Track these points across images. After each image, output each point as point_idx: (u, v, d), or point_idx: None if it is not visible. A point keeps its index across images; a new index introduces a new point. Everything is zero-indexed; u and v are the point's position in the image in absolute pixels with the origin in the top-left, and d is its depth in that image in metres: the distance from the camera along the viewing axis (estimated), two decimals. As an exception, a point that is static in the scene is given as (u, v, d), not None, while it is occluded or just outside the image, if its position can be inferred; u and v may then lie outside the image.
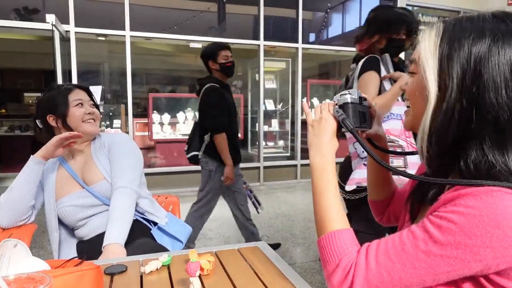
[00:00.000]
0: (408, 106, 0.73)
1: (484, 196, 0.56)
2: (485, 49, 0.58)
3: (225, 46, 2.74)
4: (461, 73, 0.60)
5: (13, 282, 0.60)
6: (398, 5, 6.08)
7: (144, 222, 1.48)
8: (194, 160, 2.77)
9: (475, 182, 0.58)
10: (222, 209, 3.58)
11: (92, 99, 1.50)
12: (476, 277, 0.59)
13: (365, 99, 0.84)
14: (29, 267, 0.82)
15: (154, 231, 1.47)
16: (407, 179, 0.92)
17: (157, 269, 0.99)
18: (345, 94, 0.79)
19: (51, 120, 1.43)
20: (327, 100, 0.83)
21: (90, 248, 1.36)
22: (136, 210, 1.44)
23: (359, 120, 0.80)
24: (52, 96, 1.44)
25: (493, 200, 0.55)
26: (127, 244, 1.29)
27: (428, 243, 0.58)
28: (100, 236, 1.35)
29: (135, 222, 1.42)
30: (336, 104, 0.79)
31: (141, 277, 0.96)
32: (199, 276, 0.94)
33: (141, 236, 1.39)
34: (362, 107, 0.82)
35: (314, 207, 0.75)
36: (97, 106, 1.52)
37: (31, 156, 1.35)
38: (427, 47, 0.64)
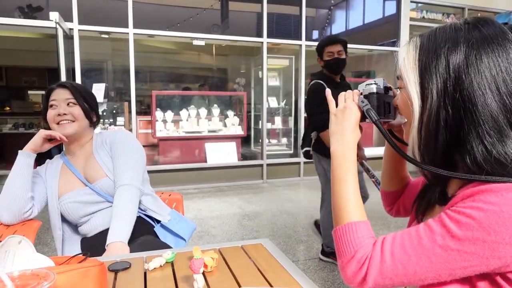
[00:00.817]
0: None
1: (505, 193, 0.56)
2: (462, 56, 0.60)
3: (332, 41, 2.62)
4: (442, 82, 0.62)
5: (18, 279, 0.61)
6: (402, 4, 6.04)
7: (147, 219, 1.48)
8: (307, 155, 2.81)
9: (497, 178, 0.58)
10: (226, 207, 3.58)
11: (75, 96, 1.42)
12: (493, 275, 0.59)
13: (390, 89, 0.82)
14: (34, 263, 0.82)
15: (157, 228, 1.47)
16: None
17: (160, 266, 1.00)
18: (371, 83, 0.78)
19: (44, 121, 1.46)
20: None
21: (94, 245, 1.36)
22: (139, 207, 1.44)
23: (383, 111, 0.78)
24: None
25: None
26: (130, 242, 1.30)
27: (445, 237, 0.58)
28: (104, 233, 1.36)
29: (138, 219, 1.42)
30: (361, 94, 0.78)
31: (145, 273, 0.96)
32: (203, 273, 0.94)
33: (144, 234, 1.39)
34: (387, 97, 0.80)
35: (332, 196, 0.75)
36: (87, 104, 1.45)
37: (19, 151, 1.36)
38: (407, 62, 0.67)
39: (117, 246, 1.24)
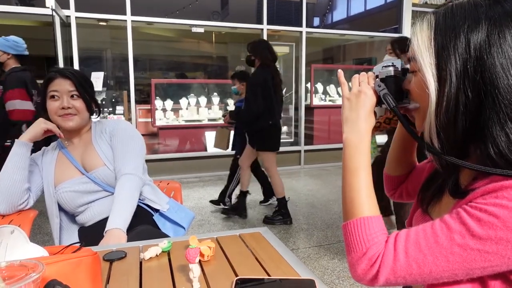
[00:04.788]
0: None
1: None
2: (483, 35, 0.56)
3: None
4: (461, 63, 0.57)
5: (5, 270, 0.59)
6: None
7: (146, 208, 1.47)
8: None
9: None
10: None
11: (78, 88, 1.38)
12: (507, 273, 0.57)
13: (408, 71, 0.74)
14: (27, 253, 0.81)
15: (156, 217, 1.46)
16: None
17: (156, 255, 0.98)
18: (389, 65, 0.71)
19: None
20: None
21: (92, 234, 1.35)
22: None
23: (401, 96, 0.72)
24: (43, 83, 1.41)
25: None
26: (128, 231, 1.28)
27: (465, 236, 0.55)
28: (102, 222, 1.35)
29: (137, 208, 1.40)
30: (377, 77, 0.72)
31: (141, 263, 0.95)
32: (200, 262, 0.92)
33: (142, 223, 1.38)
34: (403, 81, 0.73)
35: (343, 187, 0.70)
36: (88, 96, 1.41)
37: (16, 140, 1.33)
38: (421, 42, 0.61)
39: (115, 233, 1.23)
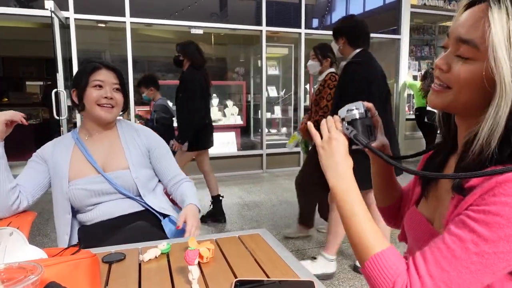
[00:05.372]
0: (446, 87, 0.64)
1: None
2: None
3: None
4: None
5: (3, 272, 0.59)
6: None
7: (155, 213, 1.42)
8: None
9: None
10: (225, 196, 3.58)
11: (120, 83, 1.41)
12: None
13: (369, 110, 0.81)
14: (26, 255, 0.81)
15: (164, 222, 1.41)
16: None
17: (156, 257, 0.98)
18: (352, 109, 0.76)
19: (74, 94, 1.39)
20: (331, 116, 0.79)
21: (92, 235, 1.33)
22: (145, 202, 1.40)
23: (368, 134, 0.78)
24: (80, 70, 1.39)
25: None
26: (124, 226, 1.29)
27: (478, 243, 0.55)
28: (105, 223, 1.33)
29: (145, 212, 1.38)
30: (343, 120, 0.77)
31: (140, 265, 0.95)
32: (199, 264, 0.92)
33: (152, 227, 1.35)
34: (368, 120, 0.79)
35: (347, 232, 0.71)
36: (124, 91, 1.43)
37: None
38: (500, 33, 0.54)
39: (193, 208, 1.32)
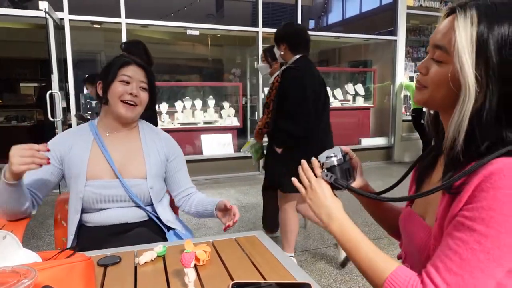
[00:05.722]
0: (423, 86, 0.71)
1: (506, 172, 0.57)
2: None
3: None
4: (501, 69, 0.58)
5: (-4, 276, 0.58)
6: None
7: (159, 224, 1.37)
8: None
9: (480, 162, 0.59)
10: (222, 198, 3.60)
11: (149, 82, 1.35)
12: None
13: (346, 153, 0.88)
14: (19, 259, 0.79)
15: (169, 235, 1.36)
16: None
17: (152, 260, 0.97)
18: (331, 156, 0.83)
19: (99, 87, 1.33)
20: (305, 163, 0.85)
21: (91, 237, 1.27)
22: (155, 212, 1.36)
23: (347, 177, 0.85)
24: (110, 63, 1.34)
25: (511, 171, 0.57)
26: (125, 233, 1.27)
27: (481, 242, 0.58)
28: (107, 228, 1.27)
29: (151, 222, 1.34)
30: (322, 166, 0.83)
31: (135, 268, 0.94)
32: (195, 267, 0.91)
33: (155, 240, 1.28)
34: (347, 164, 0.86)
35: (356, 265, 0.74)
36: (152, 91, 1.36)
37: (3, 180, 1.09)
38: (463, 39, 0.60)
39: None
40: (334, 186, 0.81)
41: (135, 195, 1.30)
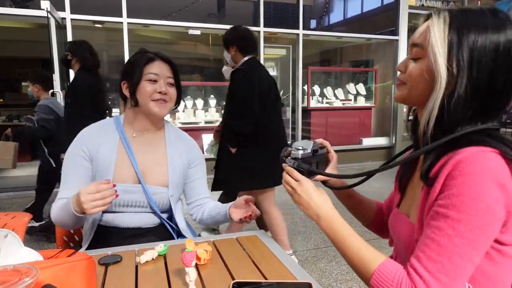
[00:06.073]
0: (403, 83, 0.77)
1: (472, 159, 0.62)
2: (489, 39, 0.65)
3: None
4: (469, 61, 0.65)
5: (-3, 275, 0.58)
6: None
7: (170, 230, 1.33)
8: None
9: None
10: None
11: (175, 77, 1.30)
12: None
13: (321, 148, 0.93)
14: (21, 258, 0.79)
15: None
16: None
17: (152, 259, 0.97)
18: (299, 149, 0.86)
19: (124, 87, 1.27)
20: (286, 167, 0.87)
21: (100, 236, 1.24)
22: (168, 219, 1.33)
23: (306, 172, 0.85)
24: (132, 62, 1.27)
25: (478, 158, 0.62)
26: (137, 237, 1.23)
27: (454, 227, 0.62)
28: (118, 230, 1.23)
29: (162, 228, 1.30)
30: (289, 155, 0.86)
31: (136, 267, 0.94)
32: (196, 266, 0.91)
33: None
34: (315, 158, 0.89)
35: (344, 256, 0.76)
36: (178, 85, 1.32)
37: (72, 210, 1.06)
38: (437, 35, 0.68)
39: None
40: (298, 171, 0.84)
41: (155, 202, 1.26)
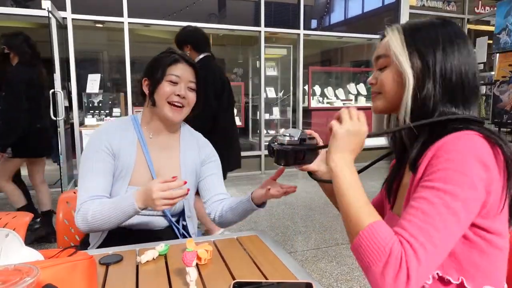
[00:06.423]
0: (378, 93, 0.83)
1: (456, 141, 0.66)
2: (441, 46, 0.74)
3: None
4: (424, 55, 0.75)
5: (-2, 274, 0.58)
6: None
7: (177, 233, 1.31)
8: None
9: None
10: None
11: (198, 83, 1.27)
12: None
13: (310, 138, 0.94)
14: (22, 257, 0.80)
15: None
16: None
17: (153, 258, 0.97)
18: (286, 135, 0.89)
19: (145, 84, 1.26)
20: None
21: (106, 236, 1.22)
22: (177, 222, 1.31)
23: (294, 158, 0.90)
24: (157, 60, 1.26)
25: (463, 138, 0.67)
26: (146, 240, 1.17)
27: (440, 196, 0.63)
28: (124, 231, 1.21)
29: (169, 229, 1.28)
30: (275, 141, 0.90)
31: (137, 267, 0.94)
32: (197, 266, 0.92)
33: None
34: (301, 146, 0.91)
35: (342, 202, 0.72)
36: (198, 91, 1.28)
37: (133, 203, 1.06)
38: (395, 41, 0.78)
39: None
40: (283, 151, 0.88)
41: (167, 209, 1.22)
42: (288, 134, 0.89)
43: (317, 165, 0.99)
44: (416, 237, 0.62)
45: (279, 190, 1.13)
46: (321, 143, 0.97)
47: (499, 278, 0.72)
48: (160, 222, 1.28)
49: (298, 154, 0.90)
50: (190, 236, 1.32)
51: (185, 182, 1.04)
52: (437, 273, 0.70)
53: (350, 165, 0.75)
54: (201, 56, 2.49)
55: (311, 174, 1.01)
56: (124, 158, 1.21)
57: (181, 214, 1.33)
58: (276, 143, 0.90)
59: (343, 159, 0.75)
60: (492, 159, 0.65)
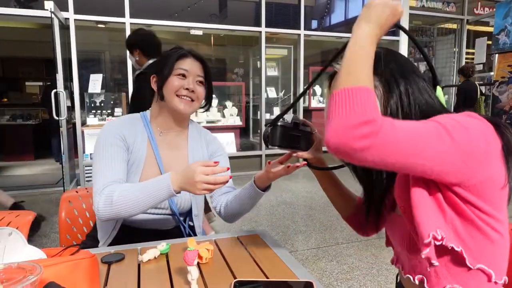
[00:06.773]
0: None
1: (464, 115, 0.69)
2: (391, 54, 0.81)
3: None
4: (387, 71, 0.77)
5: (2, 272, 0.59)
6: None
7: (183, 232, 1.30)
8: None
9: None
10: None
11: (206, 77, 1.27)
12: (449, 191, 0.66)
13: (303, 125, 0.97)
14: (25, 256, 0.81)
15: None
16: None
17: (155, 257, 0.98)
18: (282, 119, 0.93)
19: (153, 81, 1.26)
20: None
21: (124, 235, 1.21)
22: (185, 222, 1.30)
23: (286, 141, 0.94)
24: (165, 56, 1.27)
25: (465, 117, 0.68)
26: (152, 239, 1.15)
27: (439, 128, 0.64)
28: (129, 229, 1.21)
29: (176, 230, 1.28)
30: (267, 125, 0.92)
31: (139, 265, 0.95)
32: (198, 265, 0.92)
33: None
34: (297, 131, 0.94)
35: (349, 55, 0.67)
36: (209, 86, 1.29)
37: (169, 185, 1.03)
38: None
39: None
40: (271, 135, 0.91)
41: (176, 205, 1.25)
42: (284, 119, 0.92)
43: (311, 153, 0.99)
44: (385, 120, 0.61)
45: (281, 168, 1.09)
46: (315, 131, 1.00)
47: (499, 264, 0.70)
48: (169, 222, 1.28)
49: (293, 137, 0.93)
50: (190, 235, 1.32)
51: (228, 168, 1.06)
52: (441, 241, 0.66)
53: (375, 39, 0.69)
54: (150, 61, 2.41)
55: (306, 160, 1.01)
56: (135, 154, 1.21)
57: (188, 214, 1.33)
58: (267, 127, 0.94)
59: (369, 30, 0.68)
60: (494, 140, 0.66)
